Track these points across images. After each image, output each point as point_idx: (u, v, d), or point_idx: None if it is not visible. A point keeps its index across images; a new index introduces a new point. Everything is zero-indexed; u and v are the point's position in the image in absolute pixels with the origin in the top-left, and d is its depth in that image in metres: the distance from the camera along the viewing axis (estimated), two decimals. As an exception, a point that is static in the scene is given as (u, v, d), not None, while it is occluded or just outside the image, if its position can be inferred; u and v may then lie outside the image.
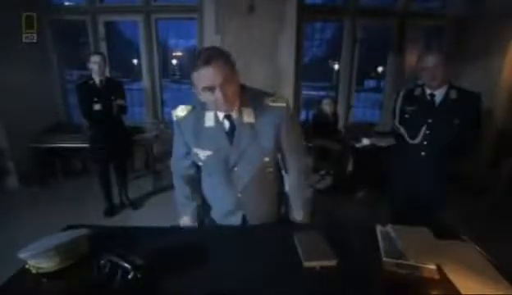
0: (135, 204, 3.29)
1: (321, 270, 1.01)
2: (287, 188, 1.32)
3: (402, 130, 1.78)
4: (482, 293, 0.90)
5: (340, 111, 4.37)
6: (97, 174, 3.07)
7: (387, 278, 0.99)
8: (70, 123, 4.32)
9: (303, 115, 4.65)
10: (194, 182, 1.33)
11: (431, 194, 1.72)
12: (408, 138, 1.74)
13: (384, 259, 1.06)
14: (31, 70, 3.77)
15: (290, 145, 1.20)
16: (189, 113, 1.16)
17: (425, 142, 1.69)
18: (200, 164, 1.22)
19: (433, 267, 1.02)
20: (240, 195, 1.20)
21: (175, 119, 1.18)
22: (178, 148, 1.25)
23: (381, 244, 1.14)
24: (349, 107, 4.56)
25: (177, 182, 1.34)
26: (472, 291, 0.90)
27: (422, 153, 1.70)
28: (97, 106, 2.72)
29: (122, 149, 3.10)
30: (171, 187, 3.71)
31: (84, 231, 1.13)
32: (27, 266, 0.98)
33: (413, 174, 1.75)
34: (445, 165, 1.70)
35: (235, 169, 1.15)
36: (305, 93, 5.08)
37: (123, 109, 2.92)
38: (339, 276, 0.98)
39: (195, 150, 1.16)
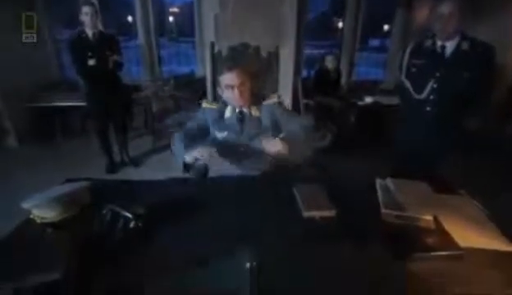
0: (136, 162, 3.31)
1: (320, 220, 1.02)
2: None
3: (408, 84, 1.72)
4: (477, 243, 0.92)
5: (343, 68, 4.24)
6: (96, 132, 3.05)
7: (385, 228, 1.01)
8: (65, 81, 4.20)
9: (304, 73, 4.51)
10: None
11: (434, 150, 1.71)
12: (413, 93, 1.69)
13: (383, 210, 1.08)
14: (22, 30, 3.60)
15: (294, 122, 1.45)
16: (215, 107, 1.53)
17: (431, 97, 1.64)
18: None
19: (430, 218, 1.04)
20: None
21: (203, 106, 1.55)
22: (191, 124, 1.55)
23: (380, 197, 1.16)
24: (352, 65, 4.43)
25: (181, 138, 1.45)
26: (467, 241, 0.93)
27: (428, 108, 1.66)
28: (91, 62, 2.60)
29: (120, 107, 3.04)
30: (169, 146, 3.74)
31: (83, 183, 1.14)
32: (31, 216, 1.00)
33: (417, 129, 1.72)
34: (450, 120, 1.66)
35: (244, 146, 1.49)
36: (308, 51, 4.87)
37: (119, 65, 2.81)
38: (338, 226, 1.00)
39: (216, 132, 1.50)
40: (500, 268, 0.84)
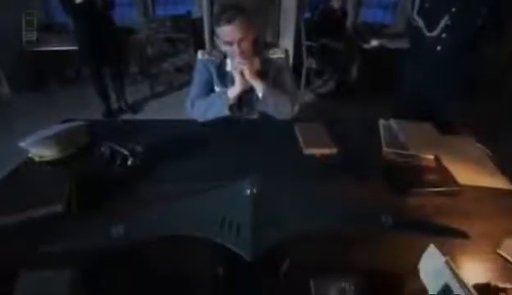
0: (134, 108, 3.25)
1: (321, 158, 1.02)
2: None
3: (419, 22, 1.59)
4: (477, 181, 0.93)
5: (350, 10, 3.96)
6: (91, 78, 2.94)
7: (386, 165, 1.01)
8: (54, 24, 3.94)
9: (307, 15, 4.20)
10: None
11: (441, 93, 1.65)
12: (425, 30, 1.57)
13: (384, 149, 1.07)
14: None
15: (284, 85, 1.38)
16: (214, 58, 1.36)
17: (443, 35, 1.53)
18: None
19: (431, 157, 1.03)
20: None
21: (200, 58, 1.37)
22: (198, 87, 1.38)
23: (382, 136, 1.15)
24: (359, 5, 4.12)
25: (197, 102, 1.35)
26: (467, 179, 0.93)
27: (438, 47, 1.56)
28: (78, 0, 2.41)
29: (114, 50, 2.89)
30: (167, 92, 3.67)
31: (81, 123, 1.12)
32: (30, 155, 0.99)
33: (425, 70, 1.64)
34: (461, 62, 1.57)
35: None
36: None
37: (109, 3, 2.61)
38: (339, 164, 1.01)
39: (216, 87, 1.39)
40: (499, 204, 0.85)
